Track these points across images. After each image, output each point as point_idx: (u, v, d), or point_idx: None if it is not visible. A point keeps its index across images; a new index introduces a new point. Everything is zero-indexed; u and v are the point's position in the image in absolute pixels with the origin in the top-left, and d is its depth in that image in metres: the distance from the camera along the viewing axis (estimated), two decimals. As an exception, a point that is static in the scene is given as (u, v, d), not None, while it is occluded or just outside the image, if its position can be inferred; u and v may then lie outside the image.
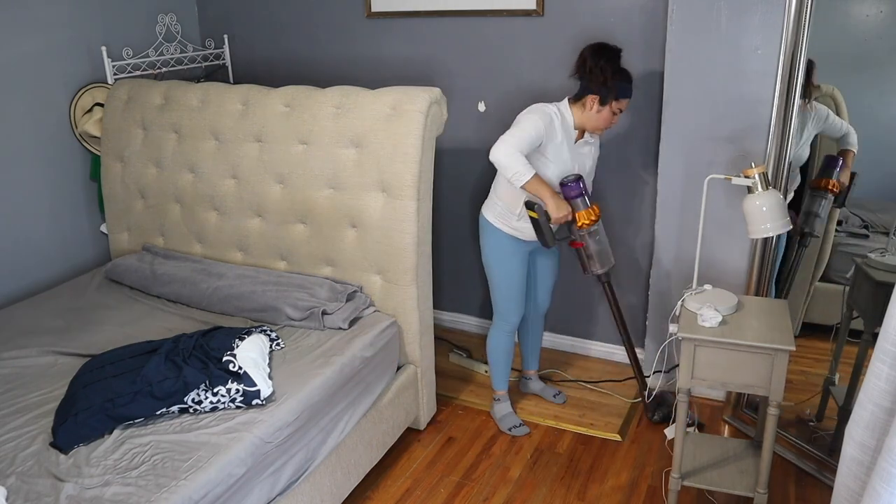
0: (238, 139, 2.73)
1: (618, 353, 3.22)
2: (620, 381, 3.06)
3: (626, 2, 2.74)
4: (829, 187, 2.51)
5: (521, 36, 2.95)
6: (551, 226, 2.40)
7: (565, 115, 2.41)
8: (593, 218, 2.41)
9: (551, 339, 3.34)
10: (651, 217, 2.87)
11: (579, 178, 2.39)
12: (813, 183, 2.55)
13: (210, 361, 2.06)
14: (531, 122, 2.35)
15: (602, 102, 2.36)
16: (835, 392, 2.55)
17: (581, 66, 2.37)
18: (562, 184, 2.39)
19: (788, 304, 2.25)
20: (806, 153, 2.52)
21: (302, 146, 2.61)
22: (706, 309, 2.09)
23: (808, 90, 2.39)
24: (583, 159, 2.50)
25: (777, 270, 2.65)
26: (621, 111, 2.41)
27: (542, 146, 2.38)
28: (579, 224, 2.41)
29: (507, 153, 2.29)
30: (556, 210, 2.34)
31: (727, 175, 2.23)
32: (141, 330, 2.44)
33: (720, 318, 2.08)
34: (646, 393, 2.77)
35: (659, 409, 2.78)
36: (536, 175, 2.31)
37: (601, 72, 2.32)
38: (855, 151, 2.45)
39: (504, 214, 2.50)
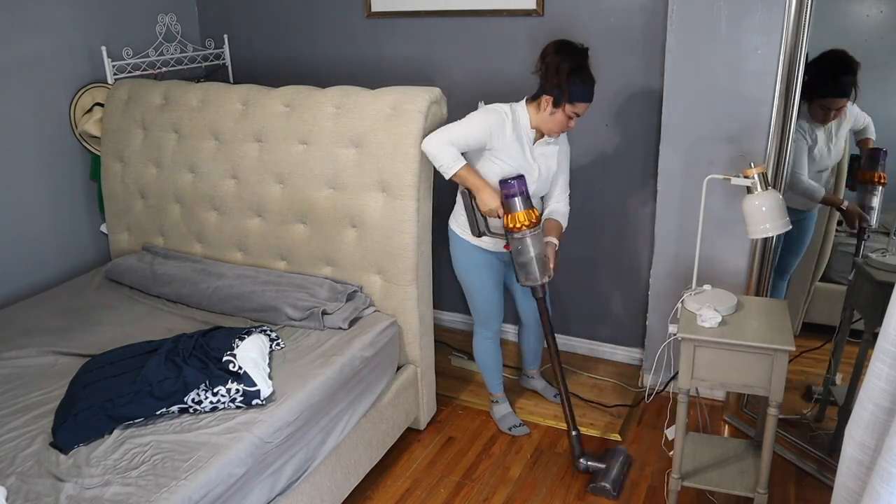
0: (238, 139, 2.73)
1: (619, 352, 3.22)
2: (609, 406, 3.06)
3: (626, 2, 2.74)
4: (878, 180, 2.48)
5: (521, 36, 2.95)
6: (481, 216, 2.36)
7: (519, 114, 2.34)
8: (525, 222, 2.24)
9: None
10: (651, 217, 2.87)
11: (520, 177, 2.27)
12: (861, 177, 2.52)
13: (210, 361, 2.06)
14: (474, 120, 2.31)
15: (555, 104, 2.26)
16: (835, 392, 2.55)
17: (540, 62, 2.27)
18: (501, 181, 2.28)
19: (788, 304, 2.25)
20: (842, 149, 2.49)
21: (302, 146, 2.61)
22: (706, 309, 2.09)
23: (856, 91, 2.36)
24: (545, 160, 2.42)
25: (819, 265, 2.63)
26: (577, 115, 2.29)
27: (491, 147, 2.31)
28: (511, 226, 2.26)
29: (436, 144, 2.27)
30: (485, 201, 2.28)
31: (727, 175, 2.23)
32: (141, 330, 2.44)
33: (720, 319, 2.08)
34: (574, 435, 2.50)
35: (587, 457, 2.50)
36: (466, 166, 2.28)
37: (556, 72, 2.21)
38: (873, 139, 2.44)
39: (466, 225, 2.44)
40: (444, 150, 2.27)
